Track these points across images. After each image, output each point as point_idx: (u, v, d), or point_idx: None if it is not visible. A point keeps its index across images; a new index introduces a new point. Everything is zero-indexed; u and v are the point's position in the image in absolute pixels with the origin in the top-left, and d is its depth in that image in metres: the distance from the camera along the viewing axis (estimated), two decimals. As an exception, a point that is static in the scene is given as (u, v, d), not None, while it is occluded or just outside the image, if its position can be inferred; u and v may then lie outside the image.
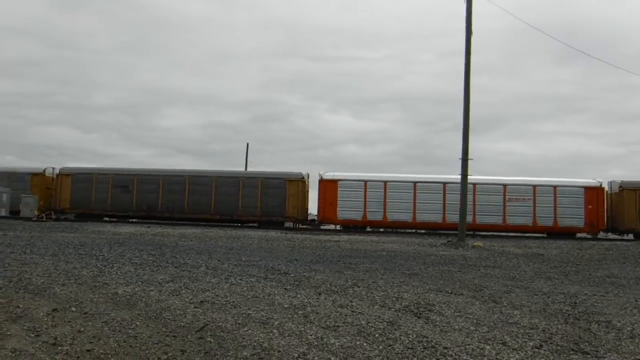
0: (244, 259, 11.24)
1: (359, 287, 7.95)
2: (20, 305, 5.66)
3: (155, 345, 4.51)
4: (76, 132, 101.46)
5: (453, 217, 25.96)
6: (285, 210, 28.74)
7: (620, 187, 27.48)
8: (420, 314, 6.15)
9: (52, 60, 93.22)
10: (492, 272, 10.75)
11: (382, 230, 28.31)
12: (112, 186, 29.90)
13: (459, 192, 26.38)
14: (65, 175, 30.52)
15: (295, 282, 8.12)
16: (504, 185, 27.66)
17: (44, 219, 26.63)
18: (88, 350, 4.27)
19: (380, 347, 4.72)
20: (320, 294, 7.21)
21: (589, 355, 4.70)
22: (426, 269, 10.79)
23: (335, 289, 7.63)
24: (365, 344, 4.78)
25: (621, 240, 26.74)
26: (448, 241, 20.05)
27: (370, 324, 5.51)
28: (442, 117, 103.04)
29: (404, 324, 5.59)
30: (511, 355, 4.59)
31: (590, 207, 27.04)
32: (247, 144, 48.93)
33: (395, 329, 5.36)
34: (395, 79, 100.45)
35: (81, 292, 6.53)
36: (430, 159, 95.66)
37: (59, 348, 4.30)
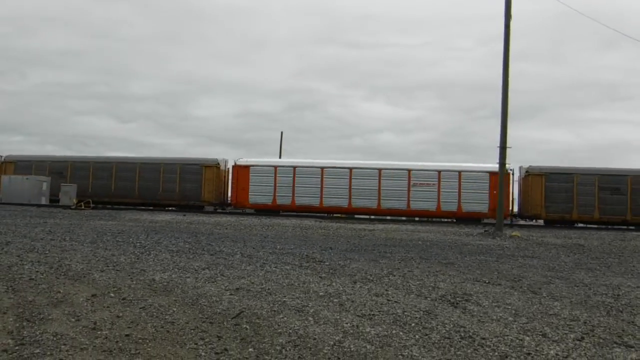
0: (278, 247, 11.29)
1: (394, 275, 7.86)
2: (61, 291, 5.81)
3: (192, 331, 4.55)
4: (114, 121, 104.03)
5: (358, 201, 27.53)
6: (201, 195, 29.65)
7: (527, 172, 27.16)
8: (457, 303, 6.03)
9: (91, 50, 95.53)
10: (531, 263, 10.48)
11: (292, 214, 28.43)
12: (49, 172, 31.34)
13: (365, 177, 26.78)
14: (10, 162, 32.44)
15: (330, 271, 8.09)
16: (409, 170, 27.56)
17: (83, 207, 27.40)
18: (127, 335, 4.34)
19: (417, 336, 4.64)
20: (355, 282, 7.16)
21: (632, 349, 4.55)
22: (463, 259, 10.61)
23: (371, 278, 7.56)
24: (401, 333, 4.71)
25: (535, 226, 25.86)
26: (485, 230, 19.70)
27: (406, 313, 5.43)
28: (480, 105, 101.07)
29: (440, 314, 5.49)
30: (551, 347, 4.47)
31: (495, 192, 25.97)
32: (282, 133, 49.22)
33: (431, 319, 5.26)
34: (433, 65, 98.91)
35: (119, 279, 6.66)
36: (468, 147, 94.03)
37: (99, 332, 4.39)
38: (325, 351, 4.16)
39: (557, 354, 4.30)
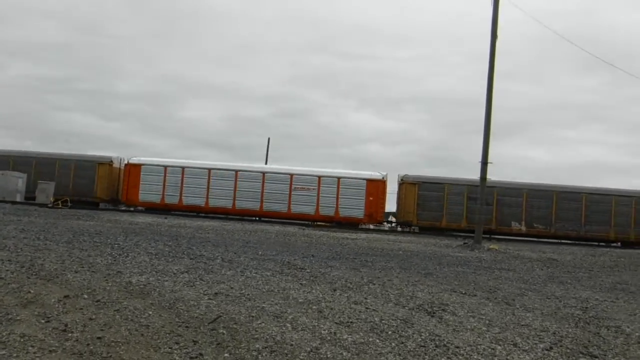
0: (260, 252, 11.24)
1: (374, 284, 7.89)
2: (32, 291, 5.68)
3: (167, 335, 4.50)
4: (97, 119, 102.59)
5: (242, 203, 28.52)
6: (94, 191, 30.19)
7: (402, 180, 28.43)
8: (433, 313, 6.09)
9: (76, 45, 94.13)
10: (506, 275, 10.64)
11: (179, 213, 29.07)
12: None
13: (250, 180, 28.45)
14: None
15: (311, 278, 8.09)
16: (291, 175, 28.48)
17: (60, 206, 26.95)
18: (98, 338, 4.27)
19: (393, 344, 4.67)
20: (335, 290, 7.17)
21: (597, 359, 4.70)
22: (441, 269, 10.70)
23: (351, 286, 7.58)
24: (377, 341, 4.73)
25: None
26: (464, 243, 19.92)
27: (383, 321, 5.45)
28: (466, 120, 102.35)
29: (417, 322, 5.53)
30: (521, 356, 4.58)
31: (371, 198, 27.72)
32: (269, 139, 48.92)
33: (408, 327, 5.30)
34: (422, 79, 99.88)
35: (94, 280, 6.56)
36: (453, 161, 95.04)
37: (69, 335, 4.31)
38: (302, 357, 4.16)
39: (529, 365, 4.37)
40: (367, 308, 6.08)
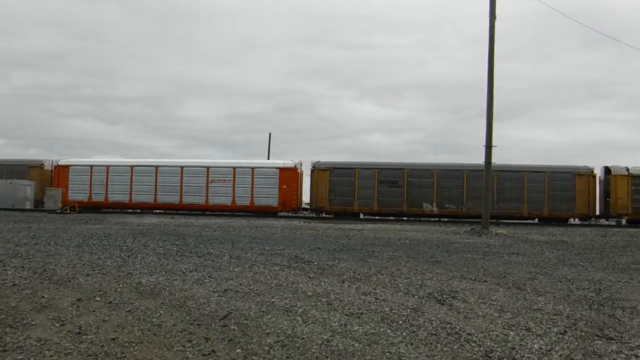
0: (267, 248, 11.28)
1: (382, 274, 7.90)
2: (45, 296, 5.74)
3: (179, 333, 4.53)
4: (100, 124, 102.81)
5: (163, 197, 29.44)
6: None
7: (314, 167, 28.75)
8: (443, 300, 6.09)
9: (76, 52, 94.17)
10: (516, 259, 10.60)
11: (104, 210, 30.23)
12: None
13: (169, 175, 29.60)
14: None
15: (319, 271, 8.11)
16: (207, 168, 29.21)
17: (68, 211, 27.11)
18: (112, 339, 4.31)
19: (404, 333, 4.68)
20: (343, 281, 7.18)
21: (613, 341, 4.65)
22: (450, 257, 10.69)
23: (359, 277, 7.59)
24: (389, 331, 4.74)
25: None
26: (472, 229, 19.86)
27: (393, 311, 5.46)
28: (468, 105, 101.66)
29: (427, 311, 5.53)
30: (535, 341, 4.55)
31: (284, 187, 28.40)
32: (270, 134, 48.91)
33: (419, 316, 5.30)
34: (422, 65, 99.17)
35: (105, 282, 6.61)
36: (456, 147, 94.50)
37: (84, 337, 4.35)
38: (314, 350, 4.17)
39: (540, 348, 4.36)
40: (376, 298, 6.08)
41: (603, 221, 28.98)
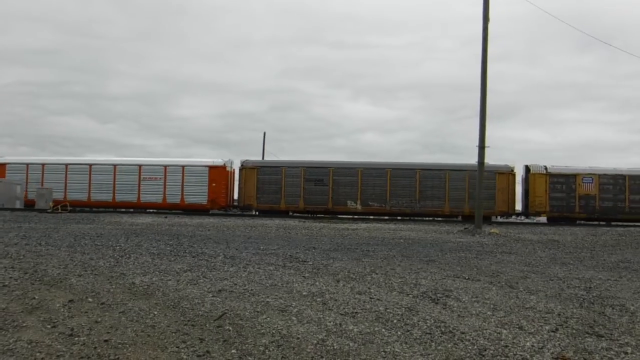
0: (262, 247, 11.26)
1: (377, 274, 7.91)
2: (36, 297, 5.69)
3: (174, 334, 4.51)
4: (92, 122, 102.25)
5: (96, 195, 30.02)
6: None
7: (242, 165, 29.32)
8: (438, 299, 6.11)
9: (67, 48, 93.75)
10: (509, 258, 10.67)
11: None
12: None
13: (102, 173, 30.27)
14: None
15: (314, 270, 8.10)
16: (140, 166, 29.86)
17: (59, 211, 26.91)
18: (105, 341, 4.28)
19: (399, 332, 4.69)
20: (338, 281, 7.18)
21: (603, 338, 4.70)
22: (443, 256, 10.73)
23: (354, 276, 7.60)
24: (383, 330, 4.75)
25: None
26: (465, 228, 19.95)
27: (388, 310, 5.47)
28: (461, 105, 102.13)
29: (422, 310, 5.55)
30: (527, 339, 4.58)
31: (214, 184, 28.93)
32: (264, 133, 48.89)
33: (413, 315, 5.32)
34: (416, 66, 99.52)
35: (98, 283, 6.57)
36: (449, 147, 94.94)
37: (76, 339, 4.31)
38: (309, 350, 4.17)
39: (532, 346, 4.40)
40: (371, 298, 6.09)
41: (523, 218, 29.67)
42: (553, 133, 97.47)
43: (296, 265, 8.65)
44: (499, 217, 28.25)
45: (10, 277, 6.74)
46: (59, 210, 26.92)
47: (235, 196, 30.73)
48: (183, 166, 29.38)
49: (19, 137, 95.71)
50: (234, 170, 30.10)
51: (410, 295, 6.33)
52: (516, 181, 28.18)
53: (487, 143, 19.82)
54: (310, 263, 8.90)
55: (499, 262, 9.92)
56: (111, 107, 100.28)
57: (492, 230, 18.94)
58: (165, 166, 29.53)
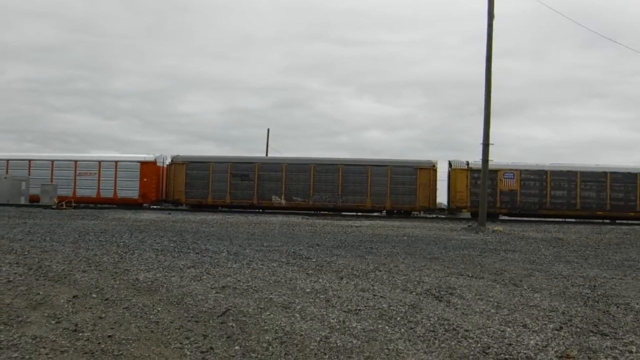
0: (265, 244, 11.27)
1: (380, 271, 7.90)
2: (41, 293, 5.71)
3: (177, 330, 4.52)
4: (96, 118, 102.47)
5: (36, 190, 29.74)
6: None
7: (172, 161, 29.97)
8: (441, 297, 6.10)
9: (72, 45, 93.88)
10: (512, 256, 10.65)
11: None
12: None
13: (42, 168, 30.88)
14: None
15: (317, 267, 8.10)
16: (75, 162, 30.48)
17: (64, 207, 26.99)
18: (109, 336, 4.29)
19: (402, 330, 4.68)
20: (342, 278, 7.18)
21: (607, 337, 4.68)
22: (447, 253, 10.71)
23: (357, 273, 7.59)
24: (387, 327, 4.74)
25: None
26: (469, 226, 19.91)
27: (392, 308, 5.46)
28: (466, 102, 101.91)
29: (425, 308, 5.54)
30: (531, 337, 4.57)
31: (145, 179, 29.54)
32: (268, 130, 49.00)
33: (416, 312, 5.31)
34: (420, 63, 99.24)
35: (102, 279, 6.59)
36: (453, 143, 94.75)
37: (80, 334, 4.32)
38: (312, 347, 4.17)
39: (537, 344, 4.38)
40: (374, 295, 6.09)
41: (447, 213, 29.68)
42: (558, 130, 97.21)
43: (299, 262, 8.65)
44: (421, 212, 28.71)
45: (15, 273, 6.77)
46: (64, 207, 27.01)
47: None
48: (116, 162, 30.09)
49: (24, 134, 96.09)
50: (164, 165, 30.85)
51: (414, 293, 6.31)
52: (438, 177, 28.70)
53: (491, 140, 19.78)
54: (314, 260, 8.90)
55: (502, 260, 9.90)
56: (115, 103, 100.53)
57: (496, 228, 18.90)
58: (100, 162, 30.31)
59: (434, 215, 29.02)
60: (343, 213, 28.45)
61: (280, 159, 29.60)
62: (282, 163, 28.89)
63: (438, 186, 28.51)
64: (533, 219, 27.60)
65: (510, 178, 27.40)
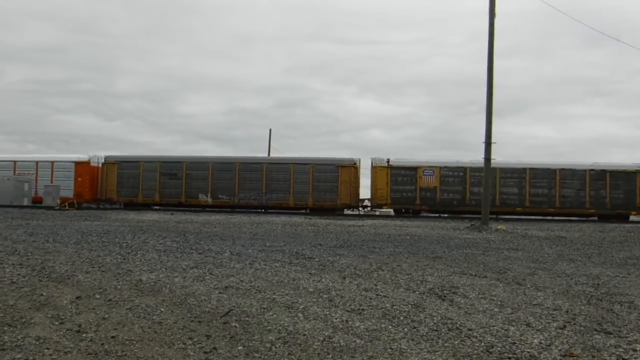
0: (268, 244, 11.27)
1: (383, 270, 7.90)
2: (44, 294, 5.72)
3: (180, 330, 4.52)
4: (98, 119, 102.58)
5: None
6: None
7: (105, 161, 30.83)
8: (444, 296, 6.09)
9: (74, 46, 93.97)
10: (515, 255, 10.63)
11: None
12: None
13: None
14: None
15: (320, 267, 8.10)
16: (15, 162, 31.48)
17: (67, 208, 27.05)
18: (113, 337, 4.29)
19: (405, 329, 4.67)
20: (344, 277, 7.18)
21: (611, 335, 4.66)
22: (450, 252, 10.70)
23: (360, 273, 7.59)
24: (390, 327, 4.73)
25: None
26: (472, 225, 19.89)
27: (395, 307, 5.46)
28: (469, 100, 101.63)
29: (428, 307, 5.53)
30: (535, 336, 4.55)
31: (79, 179, 30.51)
32: (270, 130, 48.92)
33: (419, 312, 5.30)
34: (423, 61, 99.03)
35: (105, 280, 6.60)
36: (456, 143, 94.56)
37: (84, 335, 4.33)
38: (315, 347, 4.17)
39: (540, 343, 4.37)
40: (377, 294, 6.08)
41: (368, 210, 30.56)
42: (561, 129, 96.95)
43: (302, 262, 8.65)
44: (345, 210, 29.27)
45: (19, 274, 6.79)
46: (66, 208, 27.06)
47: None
48: (52, 162, 30.86)
49: (27, 135, 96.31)
50: (98, 165, 31.46)
51: (417, 292, 6.31)
52: (361, 174, 29.50)
53: (493, 139, 19.73)
54: (317, 260, 8.90)
55: (505, 259, 9.88)
56: (118, 104, 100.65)
57: (499, 227, 18.88)
58: (37, 162, 31.09)
59: (384, 213, 29.58)
60: (269, 210, 29.18)
61: (206, 158, 30.27)
62: (208, 162, 29.58)
63: (363, 183, 29.71)
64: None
65: (430, 175, 27.77)
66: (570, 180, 27.19)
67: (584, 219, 27.44)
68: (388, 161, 28.03)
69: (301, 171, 28.51)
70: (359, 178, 29.27)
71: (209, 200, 29.14)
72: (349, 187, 28.30)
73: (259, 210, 29.48)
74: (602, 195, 26.90)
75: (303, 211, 28.87)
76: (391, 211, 28.67)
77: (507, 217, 27.23)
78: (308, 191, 28.44)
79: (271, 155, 43.94)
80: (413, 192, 27.55)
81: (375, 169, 28.10)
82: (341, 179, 28.23)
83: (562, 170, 27.26)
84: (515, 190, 27.36)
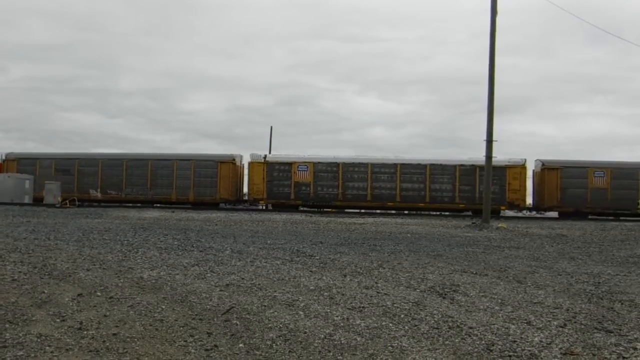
0: (269, 242, 11.28)
1: (384, 268, 7.90)
2: (45, 291, 5.73)
3: (182, 328, 4.53)
4: (100, 117, 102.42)
5: None
6: None
7: (5, 159, 31.36)
8: (445, 294, 6.09)
9: (75, 44, 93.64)
10: (516, 253, 10.63)
11: None
12: None
13: None
14: None
15: (321, 265, 8.11)
16: None
17: (68, 205, 27.07)
18: (114, 334, 4.30)
19: (406, 327, 4.68)
20: (345, 275, 7.18)
21: (612, 334, 4.67)
22: (451, 250, 10.70)
23: (361, 271, 7.59)
24: (391, 325, 4.74)
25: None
26: (473, 223, 19.90)
27: (395, 305, 5.46)
28: (471, 99, 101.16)
29: (429, 305, 5.54)
30: (536, 334, 4.56)
31: (8, 176, 30.72)
32: (271, 127, 48.76)
33: (420, 310, 5.31)
34: (425, 59, 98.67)
35: (106, 277, 6.61)
36: (458, 140, 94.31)
37: (85, 332, 4.34)
38: (316, 344, 4.17)
39: (541, 341, 4.37)
40: (378, 292, 6.09)
41: (248, 204, 30.85)
42: (563, 127, 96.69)
43: (303, 259, 8.66)
44: (222, 204, 29.77)
45: (20, 272, 6.80)
46: (67, 205, 27.08)
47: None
48: None
49: (28, 133, 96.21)
50: (6, 163, 31.92)
51: (418, 290, 6.31)
52: (245, 170, 30.22)
53: (495, 137, 19.72)
54: (317, 257, 8.91)
55: (506, 257, 9.89)
56: (119, 102, 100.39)
57: (500, 225, 18.88)
58: None
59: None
60: (155, 205, 29.91)
61: (97, 155, 31.73)
62: (99, 159, 30.79)
63: (245, 179, 30.38)
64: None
65: (304, 170, 28.26)
66: (440, 176, 27.61)
67: (467, 214, 27.33)
68: (265, 157, 28.97)
69: (183, 167, 29.68)
70: (240, 174, 30.41)
71: (99, 195, 30.35)
72: (228, 182, 29.29)
73: (146, 205, 30.52)
74: (472, 191, 27.28)
75: (187, 206, 29.60)
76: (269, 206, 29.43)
77: (507, 215, 27.23)
78: (189, 186, 29.58)
79: (272, 153, 43.89)
80: (288, 187, 28.30)
81: (252, 165, 28.90)
82: (220, 174, 29.21)
83: (432, 165, 27.72)
84: (388, 185, 27.96)
